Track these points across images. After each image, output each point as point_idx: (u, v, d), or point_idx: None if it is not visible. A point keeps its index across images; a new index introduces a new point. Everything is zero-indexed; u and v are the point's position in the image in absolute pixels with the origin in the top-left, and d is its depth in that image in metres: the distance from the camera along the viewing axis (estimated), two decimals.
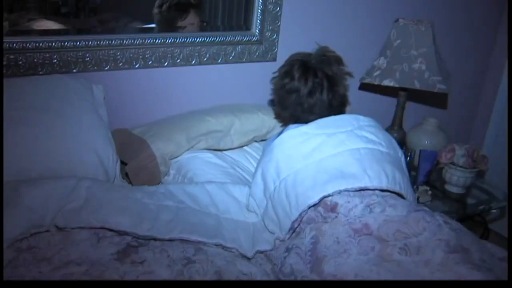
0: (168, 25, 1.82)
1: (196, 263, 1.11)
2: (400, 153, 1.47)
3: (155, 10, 1.77)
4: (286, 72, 1.55)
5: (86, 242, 1.13)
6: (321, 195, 1.26)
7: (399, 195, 1.32)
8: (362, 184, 1.27)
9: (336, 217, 1.24)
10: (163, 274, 1.06)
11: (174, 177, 1.63)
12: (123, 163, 1.61)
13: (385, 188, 1.29)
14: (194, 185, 1.44)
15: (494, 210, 2.11)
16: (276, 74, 1.61)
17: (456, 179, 1.95)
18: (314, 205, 1.27)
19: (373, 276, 1.06)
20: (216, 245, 1.22)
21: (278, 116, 1.80)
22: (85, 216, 1.18)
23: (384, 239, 1.14)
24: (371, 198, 1.25)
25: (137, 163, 1.57)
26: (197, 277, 1.07)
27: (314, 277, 1.11)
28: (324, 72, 1.52)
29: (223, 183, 1.48)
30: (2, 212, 1.12)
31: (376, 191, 1.28)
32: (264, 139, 1.84)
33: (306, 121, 1.48)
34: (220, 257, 1.16)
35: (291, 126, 1.52)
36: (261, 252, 1.27)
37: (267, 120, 1.81)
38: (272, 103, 1.78)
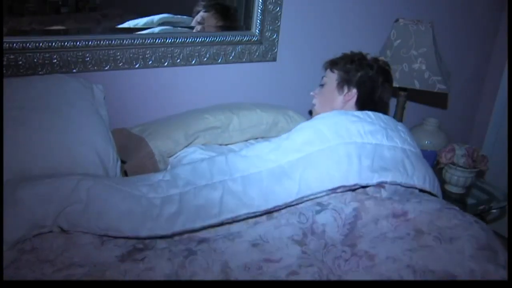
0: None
1: (198, 254, 1.10)
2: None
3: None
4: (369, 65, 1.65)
5: (90, 245, 1.13)
6: (380, 180, 1.32)
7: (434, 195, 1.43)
8: (412, 182, 1.36)
9: (380, 196, 1.29)
10: (164, 268, 1.05)
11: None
12: (123, 162, 1.61)
13: (428, 189, 1.40)
14: (200, 162, 1.41)
15: (494, 210, 2.11)
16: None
17: (456, 179, 1.95)
18: None
19: (405, 260, 1.10)
20: (223, 223, 1.21)
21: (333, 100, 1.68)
22: (87, 221, 1.16)
23: (420, 228, 1.18)
24: (412, 193, 1.35)
25: (135, 161, 1.57)
26: (199, 269, 1.06)
27: (347, 249, 1.14)
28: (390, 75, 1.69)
29: (231, 152, 1.48)
30: (2, 212, 1.11)
31: (416, 190, 1.39)
32: (263, 136, 1.83)
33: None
34: (223, 242, 1.15)
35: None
36: (280, 208, 1.26)
37: (266, 117, 1.81)
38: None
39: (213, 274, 1.06)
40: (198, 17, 1.79)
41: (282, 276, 1.07)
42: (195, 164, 1.40)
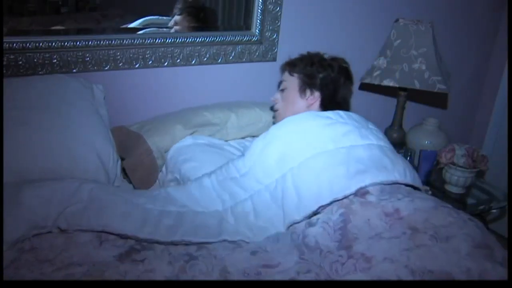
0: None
1: (199, 259, 1.10)
2: None
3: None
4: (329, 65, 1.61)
5: (89, 245, 1.13)
6: (358, 186, 1.28)
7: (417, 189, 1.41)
8: (394, 178, 1.33)
9: (366, 200, 1.26)
10: (165, 271, 1.06)
11: (166, 173, 1.63)
12: (122, 160, 1.61)
13: (410, 183, 1.37)
14: (194, 186, 1.42)
15: (494, 210, 2.11)
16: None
17: (456, 179, 1.95)
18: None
19: (403, 260, 1.09)
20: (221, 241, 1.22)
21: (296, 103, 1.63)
22: (87, 219, 1.17)
23: (414, 226, 1.17)
24: (399, 190, 1.31)
25: (134, 158, 1.57)
26: (199, 274, 1.06)
27: (343, 253, 1.13)
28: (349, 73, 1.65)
29: (223, 178, 1.45)
30: (2, 212, 1.11)
31: (402, 185, 1.35)
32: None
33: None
34: (223, 249, 1.15)
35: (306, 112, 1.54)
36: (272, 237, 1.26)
37: (264, 115, 1.81)
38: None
39: (213, 279, 1.07)
40: (172, 21, 1.81)
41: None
42: (187, 188, 1.41)
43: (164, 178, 1.62)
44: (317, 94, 1.58)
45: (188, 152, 1.60)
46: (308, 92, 1.58)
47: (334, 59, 1.64)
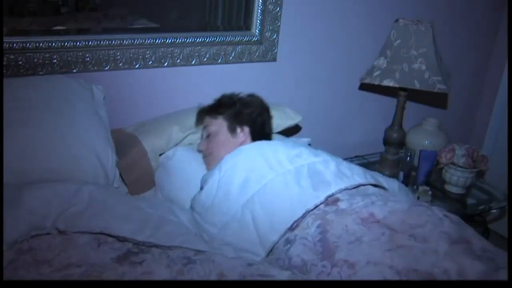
0: None
1: (197, 263, 1.10)
2: None
3: None
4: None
5: (87, 246, 1.13)
6: (325, 194, 1.30)
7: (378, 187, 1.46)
8: (355, 182, 1.37)
9: (339, 208, 1.27)
10: (163, 274, 1.05)
11: (161, 175, 1.63)
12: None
13: (373, 182, 1.43)
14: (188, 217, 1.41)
15: (494, 210, 2.12)
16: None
17: (456, 179, 1.95)
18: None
19: (386, 261, 1.08)
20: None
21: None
22: (86, 220, 1.17)
23: (392, 228, 1.18)
24: (368, 191, 1.36)
25: (128, 159, 1.57)
26: (197, 277, 1.06)
27: (326, 263, 1.13)
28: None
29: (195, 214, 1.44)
30: (2, 213, 1.11)
31: (369, 186, 1.41)
32: None
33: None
34: (222, 256, 1.16)
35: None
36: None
37: None
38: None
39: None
40: None
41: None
42: (187, 211, 1.42)
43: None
44: (246, 129, 1.60)
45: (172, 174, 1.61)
46: (238, 129, 1.60)
47: (251, 95, 1.69)
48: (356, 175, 1.40)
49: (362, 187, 1.39)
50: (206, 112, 1.65)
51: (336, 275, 1.10)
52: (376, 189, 1.42)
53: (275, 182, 1.35)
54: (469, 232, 1.18)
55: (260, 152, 1.45)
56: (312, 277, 1.13)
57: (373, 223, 1.19)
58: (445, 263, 1.07)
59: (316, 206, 1.28)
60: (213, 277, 1.07)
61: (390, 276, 1.05)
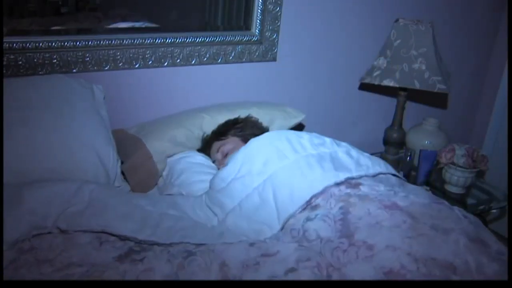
0: None
1: (197, 255, 1.10)
2: None
3: None
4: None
5: (88, 246, 1.13)
6: (346, 176, 1.34)
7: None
8: (377, 171, 1.42)
9: (362, 193, 1.29)
10: (164, 269, 1.05)
11: (166, 177, 1.63)
12: (122, 163, 1.61)
13: (393, 172, 1.48)
14: (199, 199, 1.44)
15: (494, 210, 2.11)
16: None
17: (456, 179, 1.95)
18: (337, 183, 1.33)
19: (405, 247, 1.09)
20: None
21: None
22: (87, 219, 1.17)
23: (414, 216, 1.19)
24: (390, 181, 1.41)
25: (132, 161, 1.57)
26: (198, 269, 1.06)
27: (344, 241, 1.13)
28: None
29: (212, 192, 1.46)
30: (2, 213, 1.11)
31: (389, 175, 1.45)
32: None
33: None
34: (222, 245, 1.15)
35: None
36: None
37: (262, 114, 1.81)
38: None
39: (212, 273, 1.06)
40: None
41: (280, 273, 1.06)
42: (190, 199, 1.44)
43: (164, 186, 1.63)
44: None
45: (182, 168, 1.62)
46: (251, 138, 1.61)
47: (246, 116, 1.76)
48: (377, 165, 1.45)
49: (383, 176, 1.43)
50: (213, 139, 1.69)
51: (352, 253, 1.10)
52: (397, 179, 1.46)
53: (297, 163, 1.38)
54: (487, 234, 1.19)
55: (285, 136, 1.50)
56: (326, 251, 1.13)
57: (395, 210, 1.21)
58: (467, 255, 1.08)
59: (336, 184, 1.31)
60: (214, 267, 1.07)
61: (407, 262, 1.05)
